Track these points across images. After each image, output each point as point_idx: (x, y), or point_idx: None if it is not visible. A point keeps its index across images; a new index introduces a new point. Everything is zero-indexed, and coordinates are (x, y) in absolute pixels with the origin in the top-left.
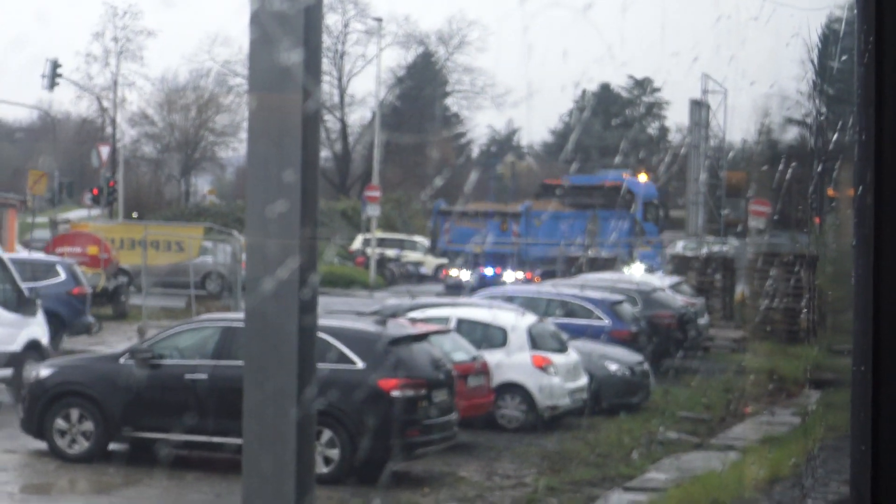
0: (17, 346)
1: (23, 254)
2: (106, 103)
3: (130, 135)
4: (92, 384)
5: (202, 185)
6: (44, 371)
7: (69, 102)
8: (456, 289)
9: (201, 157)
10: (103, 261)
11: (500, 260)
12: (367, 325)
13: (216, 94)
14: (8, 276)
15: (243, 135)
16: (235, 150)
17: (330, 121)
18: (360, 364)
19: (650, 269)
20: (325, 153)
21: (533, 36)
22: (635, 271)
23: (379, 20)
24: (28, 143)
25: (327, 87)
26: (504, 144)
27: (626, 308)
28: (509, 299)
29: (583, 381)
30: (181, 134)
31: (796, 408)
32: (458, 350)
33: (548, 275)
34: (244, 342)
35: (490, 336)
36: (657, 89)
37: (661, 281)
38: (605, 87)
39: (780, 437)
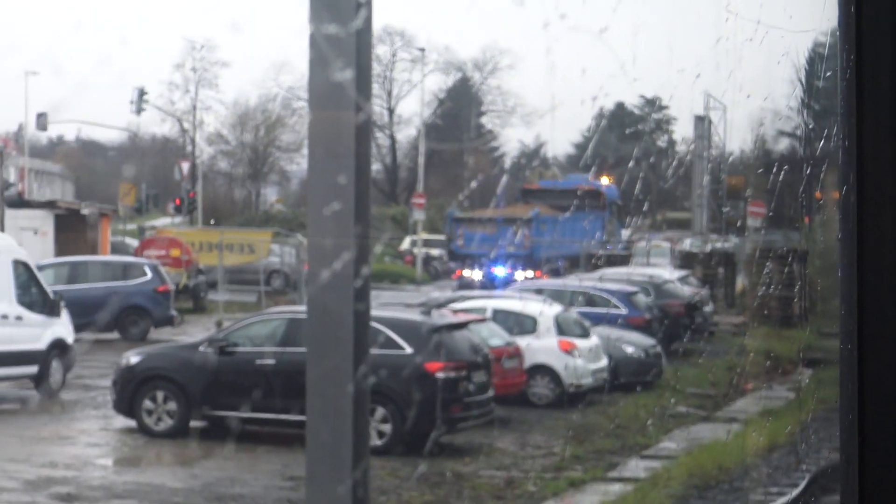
0: (42, 344)
1: (114, 256)
2: (186, 125)
3: (208, 152)
4: (175, 369)
5: (270, 195)
6: (133, 358)
7: (154, 124)
8: (468, 288)
9: (269, 171)
10: (184, 262)
11: (511, 261)
12: (413, 315)
13: (282, 115)
14: (34, 279)
15: (305, 151)
16: (298, 165)
17: (380, 137)
18: (408, 349)
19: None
20: (376, 166)
21: (555, 58)
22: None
23: (422, 50)
24: (119, 160)
25: (377, 108)
26: (532, 156)
27: (641, 298)
28: (539, 291)
29: (603, 362)
30: (251, 151)
31: (790, 384)
32: (494, 336)
33: (553, 272)
34: (306, 327)
35: (522, 324)
36: (665, 107)
37: (670, 274)
38: (620, 105)
39: (776, 410)
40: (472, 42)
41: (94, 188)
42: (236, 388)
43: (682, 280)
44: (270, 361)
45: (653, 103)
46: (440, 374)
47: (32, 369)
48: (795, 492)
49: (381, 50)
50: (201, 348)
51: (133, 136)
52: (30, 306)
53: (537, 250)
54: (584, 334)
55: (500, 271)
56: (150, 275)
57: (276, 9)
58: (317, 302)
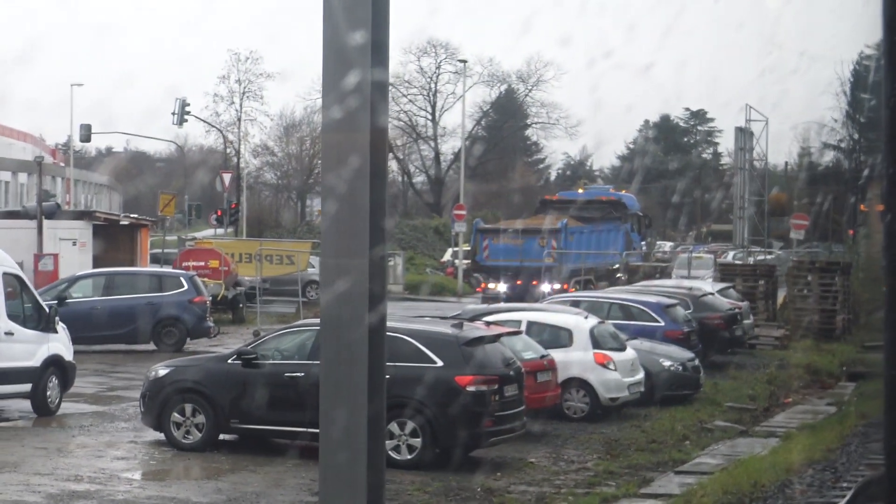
0: (35, 361)
1: (150, 267)
2: (231, 136)
3: (254, 164)
4: (204, 382)
5: (317, 205)
6: (161, 370)
7: (200, 136)
8: (493, 301)
9: (315, 182)
10: (223, 272)
11: (538, 273)
12: (444, 328)
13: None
14: (28, 293)
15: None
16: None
17: (425, 150)
18: (438, 362)
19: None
20: (421, 178)
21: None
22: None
23: (464, 62)
24: (166, 171)
25: (422, 120)
26: (578, 168)
27: (679, 310)
28: (575, 304)
29: (639, 375)
30: (297, 162)
31: (831, 398)
32: (528, 349)
33: (582, 284)
34: (321, 346)
35: (557, 337)
36: (710, 119)
37: (710, 286)
38: (665, 118)
39: (815, 425)
40: (516, 54)
41: (141, 199)
42: (265, 400)
43: (723, 292)
44: (300, 374)
45: (698, 115)
46: (471, 388)
47: (25, 388)
48: None
49: (425, 62)
50: (230, 361)
51: (180, 148)
52: (22, 322)
53: (565, 262)
54: (621, 347)
55: (525, 284)
56: (186, 286)
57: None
58: (331, 320)
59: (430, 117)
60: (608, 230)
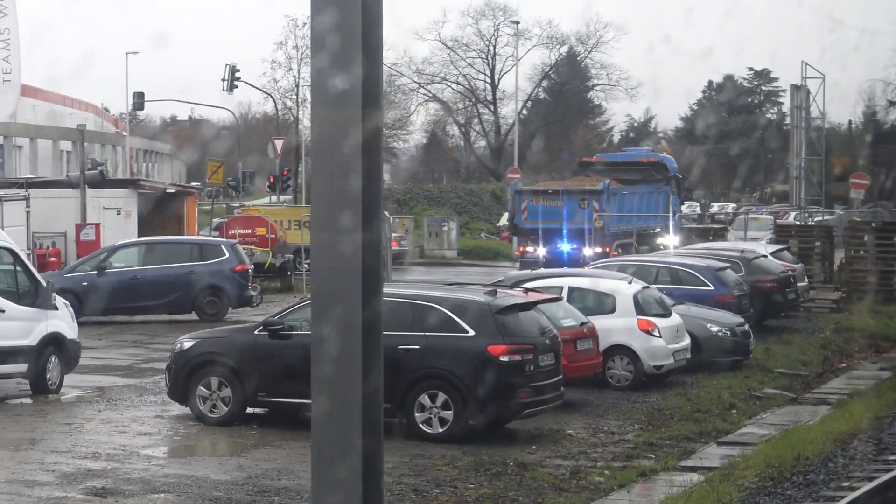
0: (31, 340)
1: (191, 236)
2: (290, 103)
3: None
4: (230, 354)
5: (384, 172)
6: (187, 343)
7: (263, 104)
8: (532, 265)
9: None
10: (270, 240)
11: (578, 236)
12: (477, 296)
13: (387, 91)
14: (23, 267)
15: (411, 128)
16: (405, 142)
17: (485, 114)
18: (470, 332)
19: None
20: (482, 142)
21: (663, 32)
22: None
23: (516, 23)
24: (232, 139)
25: (481, 84)
26: (641, 130)
27: (730, 274)
28: (622, 268)
29: (685, 342)
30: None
31: (885, 363)
32: (568, 317)
33: (624, 248)
34: (311, 329)
35: (600, 303)
36: (774, 79)
37: (764, 248)
38: (729, 77)
39: (867, 391)
40: (575, 16)
41: (204, 167)
42: (293, 374)
43: (777, 254)
44: None
45: (762, 75)
46: (504, 358)
47: (21, 368)
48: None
49: (483, 25)
50: (257, 332)
51: (235, 116)
52: (17, 298)
53: (608, 225)
54: (666, 313)
55: (564, 247)
56: (227, 254)
57: None
58: (323, 298)
59: (488, 81)
60: (650, 192)
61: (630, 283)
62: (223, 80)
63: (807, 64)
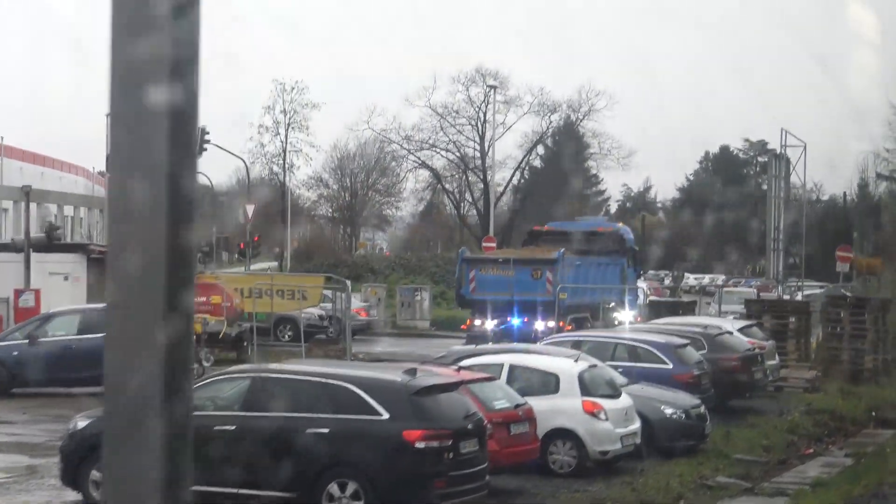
0: None
1: None
2: (276, 168)
3: (308, 196)
4: None
5: (378, 238)
6: (81, 422)
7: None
8: (480, 339)
9: (369, 215)
10: (226, 308)
11: (530, 309)
12: (393, 376)
13: (379, 158)
14: None
15: (404, 194)
16: (398, 209)
17: (476, 181)
18: (385, 414)
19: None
20: (473, 211)
21: (658, 102)
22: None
23: (493, 87)
24: (228, 203)
25: (471, 151)
26: (637, 200)
27: (690, 352)
28: (577, 344)
29: (635, 425)
30: (350, 195)
31: (851, 447)
32: (501, 398)
33: (578, 322)
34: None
35: (543, 382)
36: (771, 149)
37: (731, 324)
38: (724, 148)
39: (829, 481)
40: (568, 84)
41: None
42: (198, 457)
43: (745, 331)
44: (231, 427)
45: (758, 146)
46: (420, 444)
47: None
48: None
49: (473, 91)
50: None
51: (240, 180)
52: None
53: (558, 296)
54: (614, 394)
55: (515, 322)
56: None
57: (365, 52)
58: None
59: (478, 148)
60: (605, 264)
61: (576, 360)
62: None
63: (787, 132)
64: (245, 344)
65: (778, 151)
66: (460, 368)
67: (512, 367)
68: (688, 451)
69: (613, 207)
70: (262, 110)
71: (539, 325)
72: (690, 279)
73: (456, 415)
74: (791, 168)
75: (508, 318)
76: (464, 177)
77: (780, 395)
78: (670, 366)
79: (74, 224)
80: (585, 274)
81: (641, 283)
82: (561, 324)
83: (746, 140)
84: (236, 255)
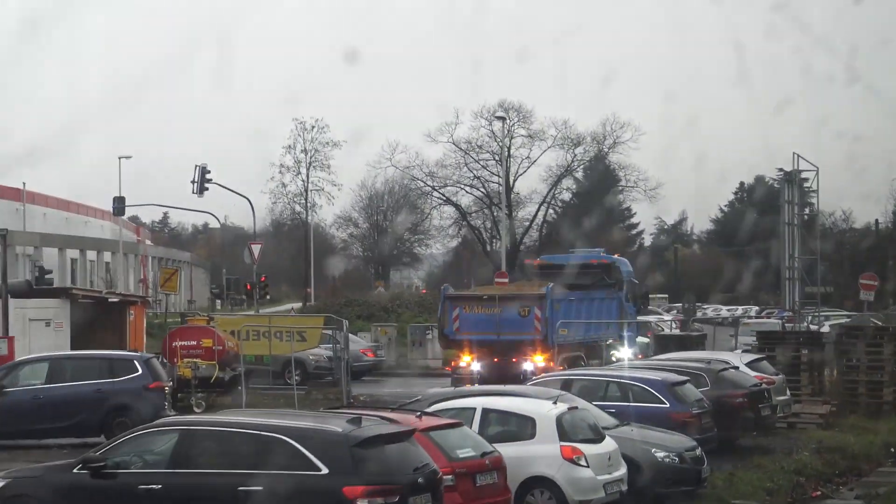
0: None
1: (101, 351)
2: (298, 207)
3: (340, 236)
4: (44, 497)
5: (412, 276)
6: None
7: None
8: (465, 382)
9: (399, 254)
10: (217, 352)
11: (518, 348)
12: (333, 425)
13: (407, 195)
14: None
15: (434, 232)
16: (428, 247)
17: (500, 217)
18: (323, 469)
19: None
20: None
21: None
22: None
23: (502, 119)
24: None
25: (495, 186)
26: (671, 232)
27: (689, 389)
28: (567, 384)
29: (620, 471)
30: (380, 234)
31: (862, 488)
32: (466, 446)
33: (571, 361)
34: None
35: (519, 426)
36: (805, 179)
37: (738, 359)
38: (759, 178)
39: None
40: (593, 115)
41: (236, 274)
42: None
43: (754, 365)
44: (156, 486)
45: (791, 175)
46: (362, 502)
47: None
48: None
49: (496, 126)
50: (75, 470)
51: (276, 222)
52: None
53: (552, 336)
54: (597, 438)
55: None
56: (140, 370)
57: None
58: None
59: (502, 184)
60: (601, 299)
61: (555, 402)
62: (192, 182)
63: (799, 156)
64: (239, 388)
65: (788, 175)
66: (422, 414)
67: (485, 412)
68: (684, 496)
69: (648, 240)
70: (283, 150)
71: (528, 365)
72: (709, 311)
73: (405, 467)
74: (804, 191)
75: (496, 359)
76: (489, 212)
77: (791, 433)
78: (667, 405)
79: (97, 268)
80: (579, 310)
81: (663, 317)
82: (551, 364)
83: (780, 170)
84: (258, 296)
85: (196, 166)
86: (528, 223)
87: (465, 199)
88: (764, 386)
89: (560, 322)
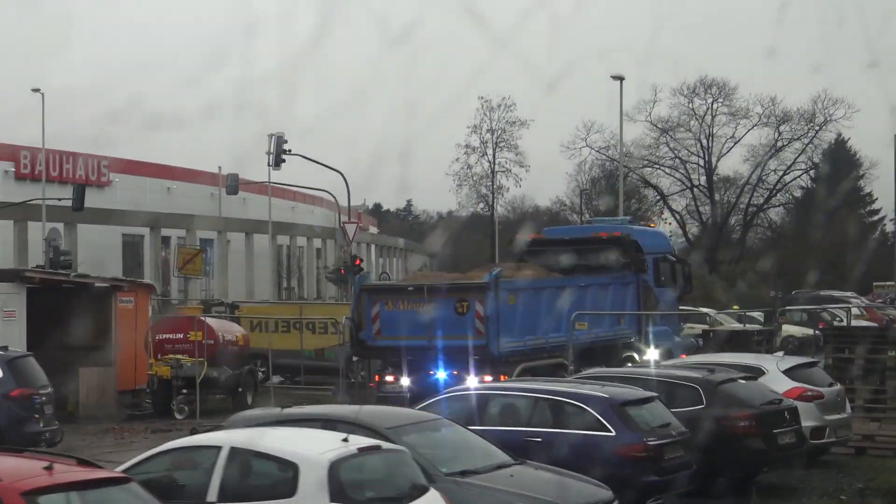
0: None
1: None
2: (484, 190)
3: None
4: None
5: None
6: None
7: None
8: (393, 400)
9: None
10: (207, 347)
11: (459, 356)
12: None
13: (599, 178)
14: None
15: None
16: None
17: (701, 198)
18: None
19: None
20: (695, 228)
21: None
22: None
23: (621, 78)
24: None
25: (696, 166)
26: None
27: (650, 410)
28: (482, 400)
29: None
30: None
31: None
32: None
33: (529, 372)
34: None
35: (273, 477)
36: None
37: (774, 363)
38: None
39: None
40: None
41: (459, 260)
42: None
43: (796, 371)
44: None
45: None
46: None
47: None
48: None
49: (696, 103)
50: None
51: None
52: None
53: (498, 343)
54: (402, 496)
55: (440, 375)
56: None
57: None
58: None
59: (703, 164)
60: (607, 284)
61: (345, 440)
62: (268, 153)
63: None
64: (241, 389)
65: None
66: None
67: (233, 453)
68: None
69: (890, 226)
70: (468, 130)
71: (471, 380)
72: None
73: None
74: None
75: (431, 372)
76: (690, 194)
77: (851, 463)
78: (611, 432)
79: (308, 254)
80: (563, 301)
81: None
82: (502, 377)
83: None
84: (350, 282)
85: (270, 135)
86: (731, 206)
87: (665, 183)
88: (787, 403)
89: (576, 314)
